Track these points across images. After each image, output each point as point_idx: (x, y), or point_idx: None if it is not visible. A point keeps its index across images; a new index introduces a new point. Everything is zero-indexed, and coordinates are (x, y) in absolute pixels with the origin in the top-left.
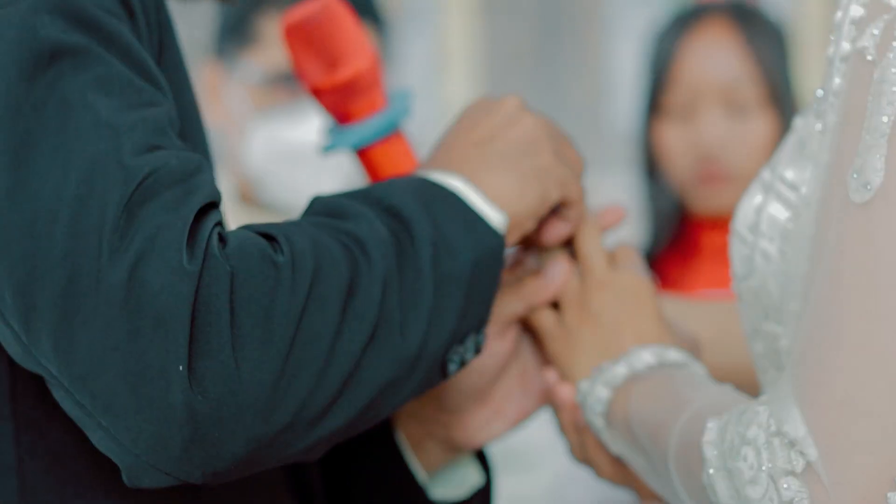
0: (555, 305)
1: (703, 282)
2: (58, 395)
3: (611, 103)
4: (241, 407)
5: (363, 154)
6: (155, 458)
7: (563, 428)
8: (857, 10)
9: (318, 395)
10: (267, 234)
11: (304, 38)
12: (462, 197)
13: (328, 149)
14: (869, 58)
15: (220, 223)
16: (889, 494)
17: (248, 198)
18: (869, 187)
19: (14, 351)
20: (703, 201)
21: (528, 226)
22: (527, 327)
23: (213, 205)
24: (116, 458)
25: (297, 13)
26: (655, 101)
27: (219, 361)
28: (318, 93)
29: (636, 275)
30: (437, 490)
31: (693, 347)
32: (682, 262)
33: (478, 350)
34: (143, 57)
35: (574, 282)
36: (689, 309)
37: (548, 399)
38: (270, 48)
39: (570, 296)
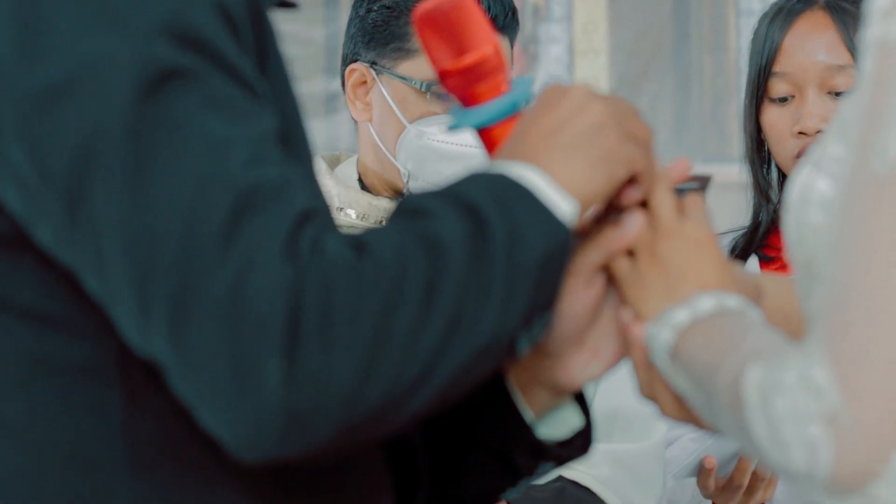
0: (630, 253)
1: None
2: (169, 379)
3: (743, 87)
4: (329, 399)
5: (486, 133)
6: (253, 441)
7: (634, 365)
8: (883, 1)
9: (399, 386)
10: (356, 244)
11: (434, 25)
12: (535, 191)
13: (453, 127)
14: (894, 43)
15: (315, 232)
16: None
17: (371, 183)
18: (888, 161)
19: (133, 340)
20: None
21: (598, 204)
22: (607, 274)
23: (307, 215)
24: (219, 437)
25: (429, 3)
26: (759, 90)
27: (309, 360)
28: (444, 76)
29: (702, 225)
30: (541, 430)
31: (755, 293)
32: None
33: (545, 327)
34: (246, 72)
35: (646, 232)
36: (775, 281)
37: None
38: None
39: (642, 245)
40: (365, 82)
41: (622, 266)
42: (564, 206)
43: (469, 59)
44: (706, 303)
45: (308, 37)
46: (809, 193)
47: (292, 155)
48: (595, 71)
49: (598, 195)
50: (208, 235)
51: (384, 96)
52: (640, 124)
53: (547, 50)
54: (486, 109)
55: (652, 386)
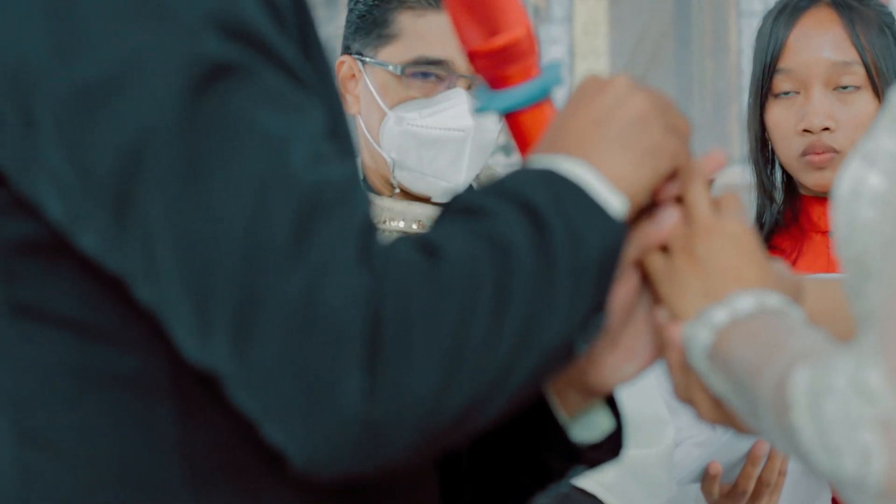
0: (664, 249)
1: (820, 261)
2: (230, 392)
3: (744, 88)
4: (409, 413)
5: (513, 118)
6: (327, 458)
7: (670, 367)
8: None
9: (477, 396)
10: (425, 247)
11: (466, 4)
12: (587, 188)
13: (480, 110)
14: None
15: (379, 237)
16: None
17: (374, 183)
18: None
19: (188, 351)
20: (813, 178)
21: (644, 200)
22: (640, 271)
23: (371, 217)
24: (288, 453)
25: None
26: (764, 87)
27: (390, 373)
28: (474, 57)
29: (740, 221)
30: (574, 432)
31: (795, 291)
32: (798, 241)
33: (600, 327)
34: (296, 64)
35: (681, 227)
36: (815, 282)
37: (660, 337)
38: (409, 43)
39: (678, 241)
40: (354, 75)
41: (656, 263)
42: (616, 203)
43: (501, 40)
44: (746, 302)
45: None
46: (860, 188)
47: (341, 145)
48: (595, 73)
49: (646, 190)
50: (276, 240)
51: (368, 86)
52: (680, 117)
53: (547, 51)
54: (516, 93)
55: (688, 388)
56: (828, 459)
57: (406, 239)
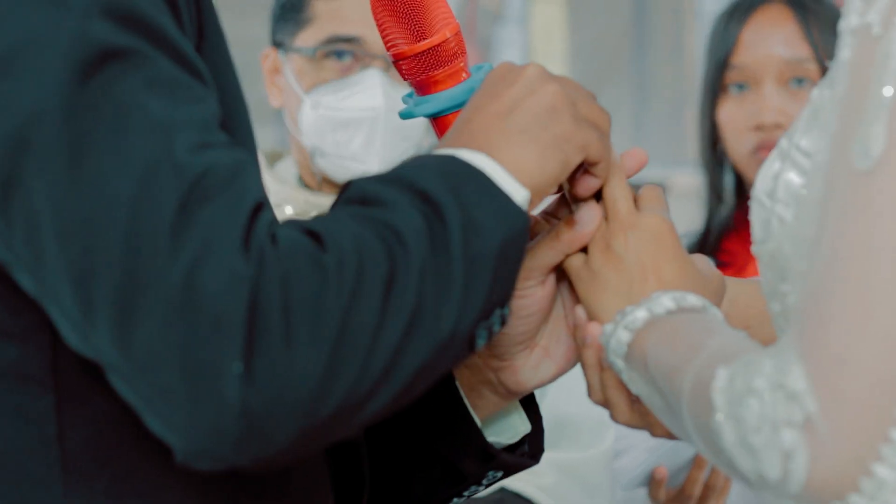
0: (584, 248)
1: None
2: (113, 381)
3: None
4: (291, 401)
5: (441, 123)
6: (208, 447)
7: (586, 367)
8: None
9: (362, 386)
10: (312, 232)
11: (391, 6)
12: (488, 177)
13: (406, 115)
14: (874, 31)
15: (270, 222)
16: (880, 449)
17: (307, 179)
18: (870, 156)
19: (72, 340)
20: None
21: (550, 192)
22: (559, 270)
23: (261, 204)
24: (170, 443)
25: None
26: (716, 83)
27: (272, 360)
28: (400, 60)
29: (660, 218)
30: (489, 436)
31: (717, 290)
32: (749, 244)
33: (503, 322)
34: (188, 52)
35: (601, 225)
36: (737, 284)
37: (576, 335)
38: (322, 25)
39: (597, 239)
40: (278, 67)
41: (575, 262)
42: (516, 193)
43: (427, 43)
44: (665, 301)
45: (257, 39)
46: (777, 186)
47: (235, 138)
48: None
49: (552, 182)
50: (157, 226)
51: (287, 74)
52: (596, 108)
53: (503, 54)
54: (444, 97)
55: (604, 389)
56: (749, 461)
57: (295, 224)
